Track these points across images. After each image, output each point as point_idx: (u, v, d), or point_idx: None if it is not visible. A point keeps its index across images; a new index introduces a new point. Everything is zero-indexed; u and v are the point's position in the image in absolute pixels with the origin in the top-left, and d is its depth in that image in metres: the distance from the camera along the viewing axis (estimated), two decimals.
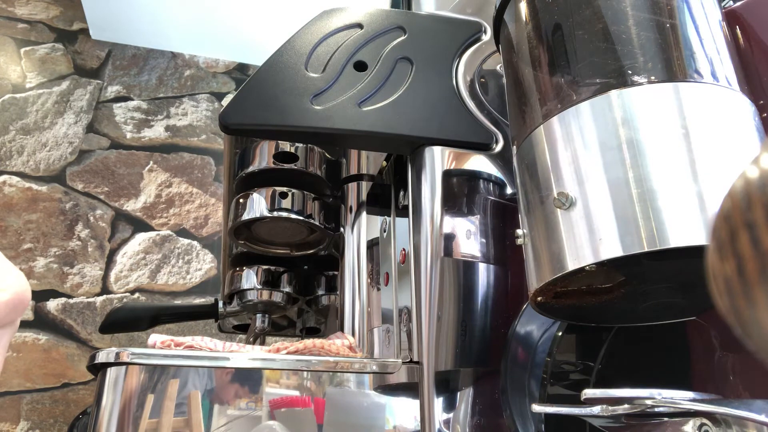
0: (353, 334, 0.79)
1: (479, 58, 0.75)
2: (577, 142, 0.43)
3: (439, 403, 0.59)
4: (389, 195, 0.81)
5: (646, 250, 0.38)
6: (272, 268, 1.04)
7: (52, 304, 1.86)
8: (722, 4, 0.53)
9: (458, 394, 0.62)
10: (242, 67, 2.42)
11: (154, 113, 2.22)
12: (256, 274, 1.03)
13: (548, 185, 0.45)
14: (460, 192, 0.66)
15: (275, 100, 0.65)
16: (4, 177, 1.96)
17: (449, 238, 0.63)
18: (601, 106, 0.43)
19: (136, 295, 1.94)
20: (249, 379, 0.57)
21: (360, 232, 0.86)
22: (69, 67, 2.20)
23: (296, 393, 0.58)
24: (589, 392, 0.39)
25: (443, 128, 0.67)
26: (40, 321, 1.83)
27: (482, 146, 0.68)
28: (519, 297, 0.62)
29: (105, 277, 1.93)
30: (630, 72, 0.43)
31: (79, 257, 1.93)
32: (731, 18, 0.53)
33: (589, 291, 0.47)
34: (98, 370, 0.55)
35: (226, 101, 2.31)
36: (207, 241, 2.07)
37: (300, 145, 0.90)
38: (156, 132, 2.19)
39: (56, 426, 1.74)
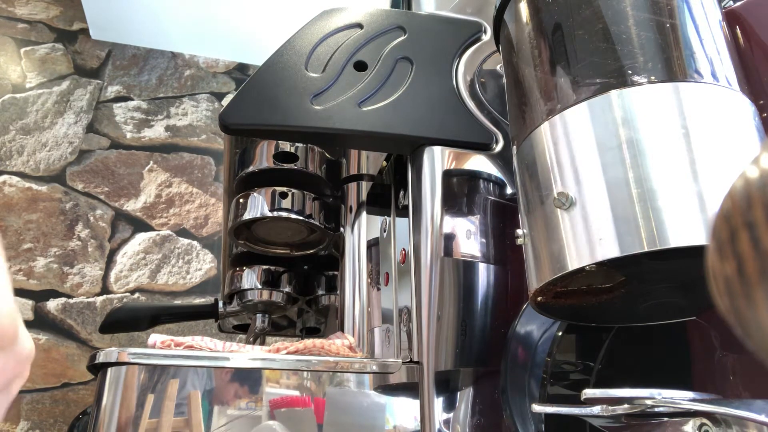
0: (353, 334, 0.79)
1: (479, 58, 0.75)
2: (577, 142, 0.43)
3: (439, 403, 0.59)
4: (389, 195, 0.81)
5: (646, 250, 0.38)
6: (272, 268, 1.04)
7: (52, 304, 1.86)
8: (722, 4, 0.53)
9: (458, 394, 0.62)
10: (242, 67, 2.42)
11: (154, 113, 2.22)
12: (256, 274, 1.03)
13: (548, 185, 0.45)
14: (460, 192, 0.66)
15: (275, 100, 0.65)
16: (4, 177, 1.96)
17: (449, 238, 0.63)
18: (601, 106, 0.43)
19: (136, 295, 1.94)
20: (249, 379, 0.57)
21: (360, 232, 0.86)
22: (69, 67, 2.20)
23: (296, 393, 0.58)
24: (589, 392, 0.39)
25: (443, 128, 0.67)
26: (40, 321, 1.83)
27: (482, 146, 0.68)
28: (519, 297, 0.62)
29: (105, 277, 1.93)
30: (630, 72, 0.43)
31: (79, 257, 1.93)
32: (731, 18, 0.53)
33: (589, 291, 0.47)
34: (98, 370, 0.55)
35: (226, 101, 2.31)
36: (207, 241, 2.07)
37: (300, 145, 0.90)
38: (156, 132, 2.19)
39: (56, 426, 1.74)
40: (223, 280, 1.14)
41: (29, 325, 1.81)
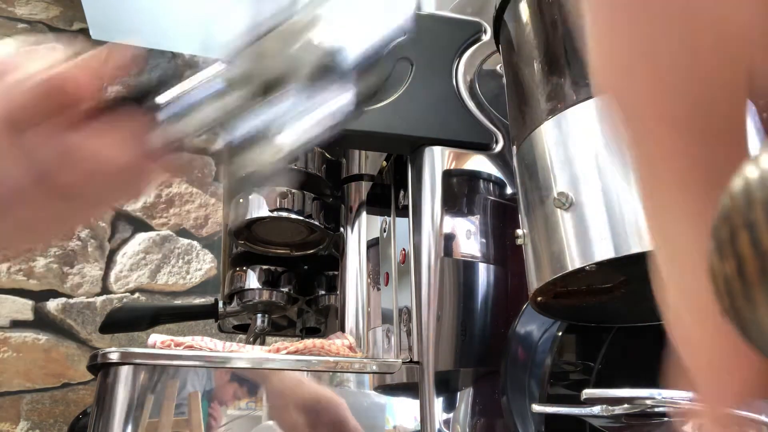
0: (353, 334, 0.79)
1: (479, 58, 0.75)
2: (577, 142, 0.43)
3: (439, 403, 0.59)
4: (389, 195, 0.81)
5: (646, 250, 0.38)
6: (272, 268, 1.04)
7: (52, 304, 1.86)
8: None
9: (458, 394, 0.62)
10: None
11: None
12: (256, 274, 1.03)
13: (548, 185, 0.45)
14: (460, 192, 0.66)
15: None
16: None
17: (449, 238, 0.63)
18: (601, 106, 0.43)
19: (136, 295, 1.94)
20: (249, 379, 0.57)
21: (360, 232, 0.86)
22: None
23: None
24: (589, 392, 0.39)
25: (443, 128, 0.67)
26: (40, 321, 1.83)
27: (482, 146, 0.68)
28: (519, 297, 0.62)
29: (105, 277, 1.93)
30: None
31: (79, 257, 1.93)
32: None
33: (589, 291, 0.47)
34: (98, 370, 0.55)
35: None
36: (207, 241, 2.07)
37: None
38: None
39: (56, 426, 1.74)
40: (223, 280, 1.14)
41: (29, 325, 1.81)
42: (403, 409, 0.60)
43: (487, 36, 0.77)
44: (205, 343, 0.60)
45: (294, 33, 0.31)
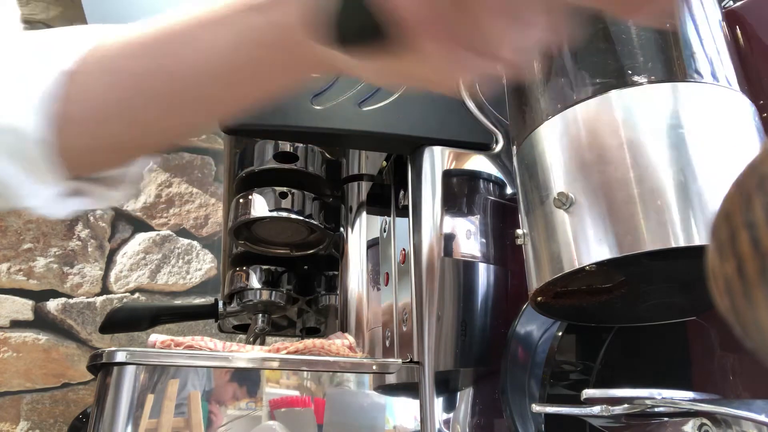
0: (353, 334, 0.79)
1: None
2: (577, 142, 0.43)
3: (439, 403, 0.59)
4: (389, 195, 0.81)
5: (646, 250, 0.38)
6: (272, 268, 1.04)
7: (52, 304, 1.86)
8: (722, 4, 0.53)
9: (458, 394, 0.62)
10: None
11: None
12: (256, 274, 1.03)
13: (548, 185, 0.45)
14: (460, 192, 0.66)
15: (275, 100, 0.65)
16: None
17: (449, 238, 0.63)
18: (601, 106, 0.43)
19: (136, 295, 1.94)
20: (249, 379, 0.57)
21: (360, 232, 0.86)
22: None
23: (296, 393, 0.58)
24: (589, 392, 0.39)
25: (443, 128, 0.67)
26: (40, 321, 1.83)
27: (482, 146, 0.68)
28: (519, 297, 0.62)
29: (105, 277, 1.93)
30: (630, 72, 0.43)
31: (79, 257, 1.93)
32: (731, 18, 0.53)
33: (589, 291, 0.47)
34: (98, 370, 0.55)
35: None
36: (207, 241, 2.07)
37: (300, 145, 0.90)
38: None
39: (56, 426, 1.74)
40: (223, 280, 1.14)
41: (29, 325, 1.81)
42: (403, 409, 0.60)
43: None
44: (205, 343, 0.60)
45: None
